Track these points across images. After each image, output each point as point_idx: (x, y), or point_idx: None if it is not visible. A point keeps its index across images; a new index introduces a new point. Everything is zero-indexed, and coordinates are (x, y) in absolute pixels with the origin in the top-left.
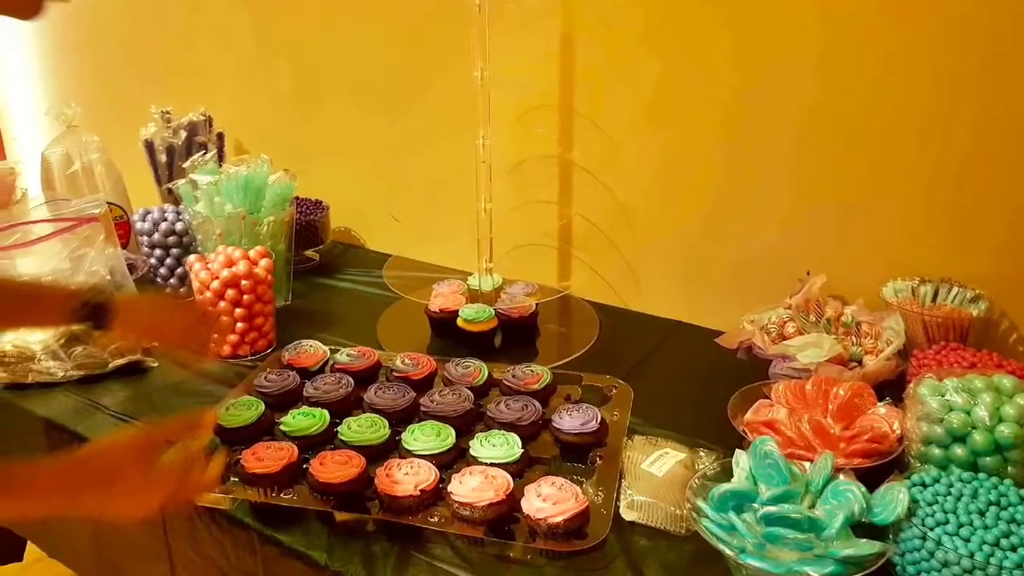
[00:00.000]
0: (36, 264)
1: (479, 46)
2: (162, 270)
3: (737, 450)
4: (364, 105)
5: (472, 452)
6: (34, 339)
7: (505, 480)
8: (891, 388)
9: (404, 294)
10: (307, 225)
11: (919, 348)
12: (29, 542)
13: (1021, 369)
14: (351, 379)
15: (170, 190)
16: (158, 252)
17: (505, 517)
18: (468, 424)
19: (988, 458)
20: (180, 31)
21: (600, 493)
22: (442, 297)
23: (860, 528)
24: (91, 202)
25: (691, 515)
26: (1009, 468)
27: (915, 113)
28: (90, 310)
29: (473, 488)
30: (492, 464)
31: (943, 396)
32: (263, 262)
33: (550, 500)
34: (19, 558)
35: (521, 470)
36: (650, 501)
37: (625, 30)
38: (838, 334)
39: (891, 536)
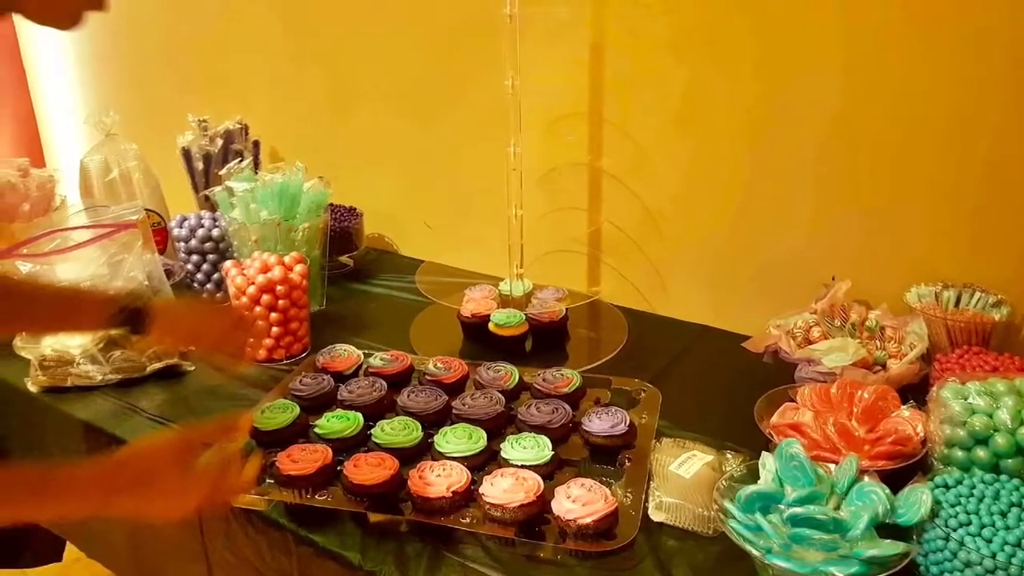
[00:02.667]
0: (75, 270)
1: (510, 55)
2: (199, 275)
3: (763, 452)
4: (397, 113)
5: (503, 454)
6: (73, 343)
7: (536, 482)
8: (915, 391)
9: (436, 299)
10: (341, 231)
11: (942, 352)
12: (68, 542)
13: None
14: (384, 383)
15: (207, 197)
16: (195, 258)
17: (535, 518)
18: (499, 427)
19: (1010, 460)
20: (217, 41)
21: (629, 494)
22: (474, 302)
23: (884, 529)
24: (129, 209)
25: (718, 516)
26: None
27: (938, 120)
28: (128, 315)
29: (504, 490)
30: (523, 466)
31: (966, 399)
32: (298, 268)
33: (580, 501)
34: (58, 558)
35: (551, 472)
36: (678, 502)
37: (652, 39)
38: (862, 338)
39: (915, 537)
